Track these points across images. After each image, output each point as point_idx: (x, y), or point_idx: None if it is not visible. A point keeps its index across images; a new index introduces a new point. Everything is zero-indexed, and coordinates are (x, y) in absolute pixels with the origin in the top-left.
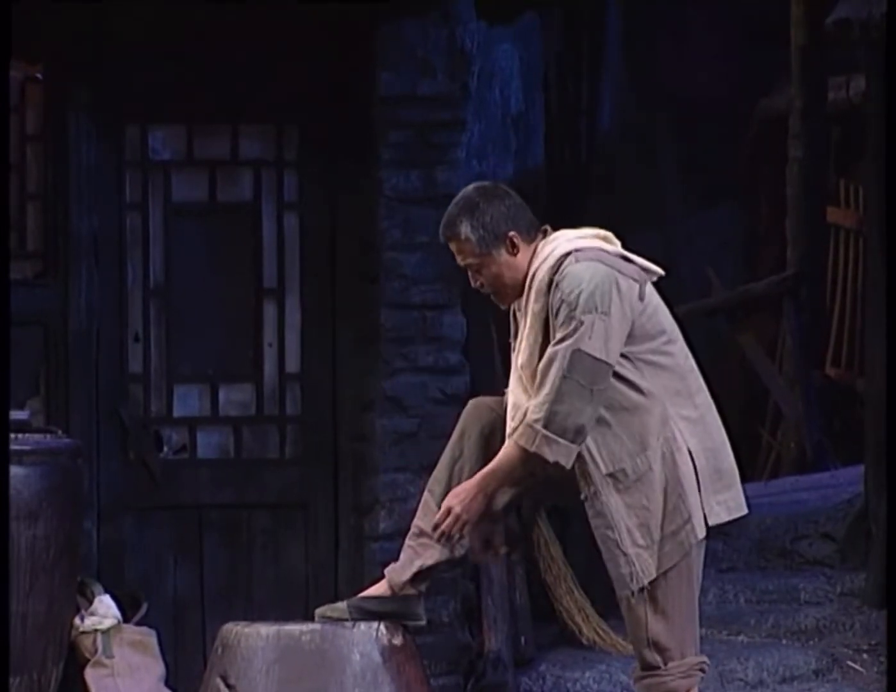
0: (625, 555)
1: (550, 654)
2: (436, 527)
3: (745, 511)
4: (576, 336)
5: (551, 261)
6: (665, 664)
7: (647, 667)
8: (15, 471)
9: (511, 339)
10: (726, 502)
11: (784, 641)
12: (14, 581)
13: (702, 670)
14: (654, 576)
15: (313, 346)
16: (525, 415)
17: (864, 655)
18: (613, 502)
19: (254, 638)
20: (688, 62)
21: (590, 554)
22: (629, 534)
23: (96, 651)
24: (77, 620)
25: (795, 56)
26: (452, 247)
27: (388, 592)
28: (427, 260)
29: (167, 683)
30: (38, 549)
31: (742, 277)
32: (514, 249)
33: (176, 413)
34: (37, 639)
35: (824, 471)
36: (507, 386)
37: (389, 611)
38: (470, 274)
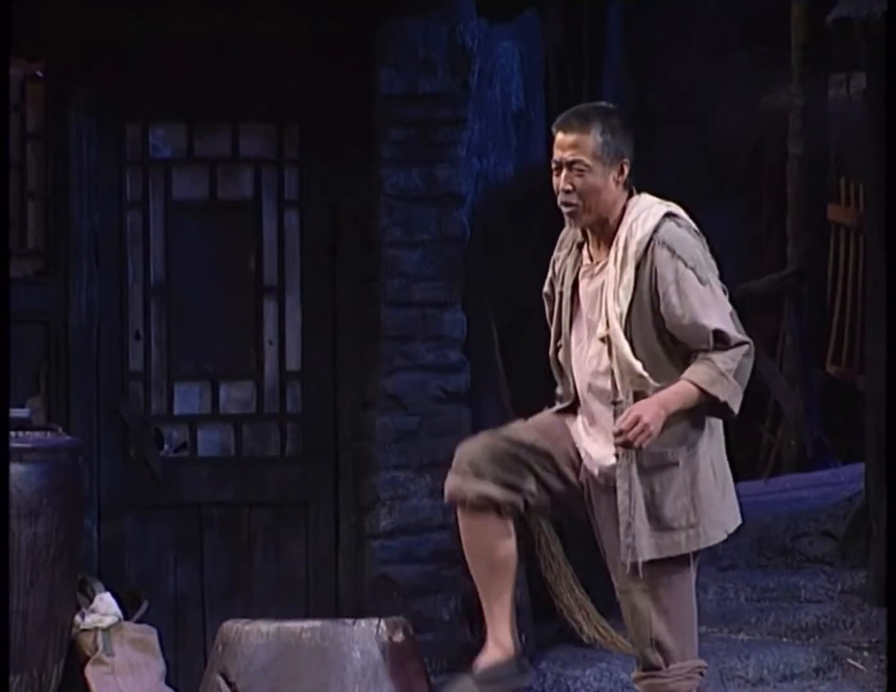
0: (630, 525)
1: (551, 652)
2: (620, 432)
3: (738, 521)
4: (720, 300)
5: (650, 222)
6: (667, 665)
7: (649, 668)
8: (15, 468)
9: (548, 288)
10: (725, 525)
11: (784, 639)
12: (14, 578)
13: (701, 673)
14: (646, 558)
15: (314, 344)
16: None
17: (865, 653)
18: (636, 473)
19: (254, 635)
20: (688, 59)
21: (590, 552)
22: (639, 510)
23: (97, 649)
24: (78, 618)
25: (796, 54)
26: (570, 139)
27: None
28: (428, 258)
29: (168, 681)
30: (38, 547)
31: (742, 275)
32: (620, 176)
33: (176, 411)
34: (37, 637)
35: (825, 468)
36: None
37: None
38: (566, 174)
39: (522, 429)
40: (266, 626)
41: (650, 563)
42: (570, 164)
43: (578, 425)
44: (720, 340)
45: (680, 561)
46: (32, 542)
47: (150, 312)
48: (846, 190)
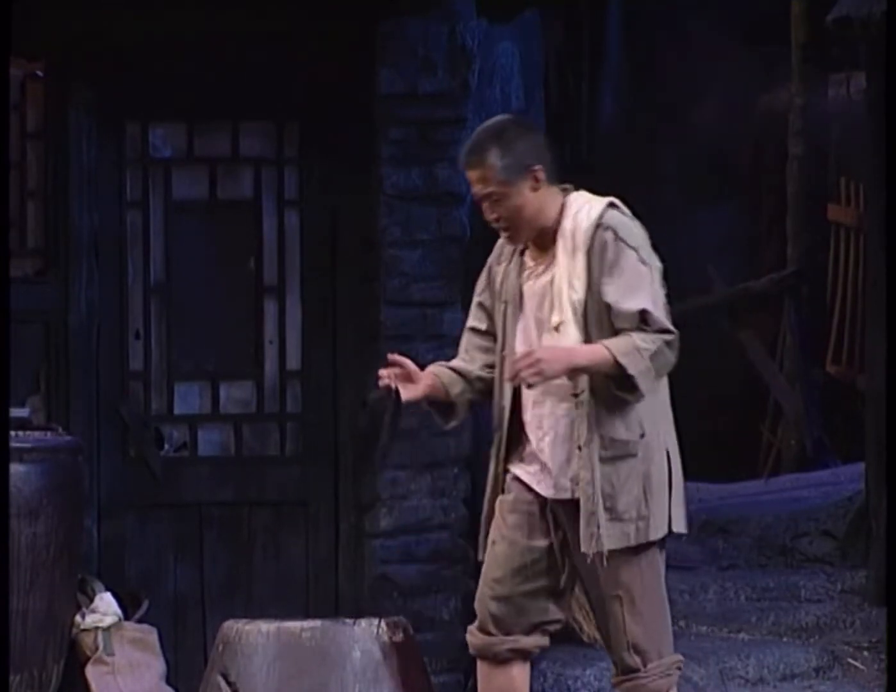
0: (593, 514)
1: (551, 652)
2: (514, 363)
3: (685, 530)
4: (656, 286)
5: (595, 211)
6: (644, 666)
7: (627, 671)
8: (15, 468)
9: (483, 297)
10: (672, 521)
11: (784, 639)
12: (15, 578)
13: (679, 668)
14: (607, 548)
15: (314, 344)
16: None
17: (865, 653)
18: (596, 462)
19: (254, 635)
20: (688, 59)
21: None
22: (599, 499)
23: (97, 648)
24: (78, 618)
25: (796, 53)
26: (474, 174)
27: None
28: (427, 257)
29: (168, 681)
30: (38, 547)
31: (742, 275)
32: (537, 184)
33: (177, 410)
34: (37, 637)
35: (825, 468)
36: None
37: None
38: (486, 206)
39: (507, 558)
40: (266, 626)
41: (619, 558)
42: (485, 197)
43: (525, 462)
44: (645, 322)
45: (646, 554)
46: (32, 542)
47: (150, 312)
48: (846, 190)
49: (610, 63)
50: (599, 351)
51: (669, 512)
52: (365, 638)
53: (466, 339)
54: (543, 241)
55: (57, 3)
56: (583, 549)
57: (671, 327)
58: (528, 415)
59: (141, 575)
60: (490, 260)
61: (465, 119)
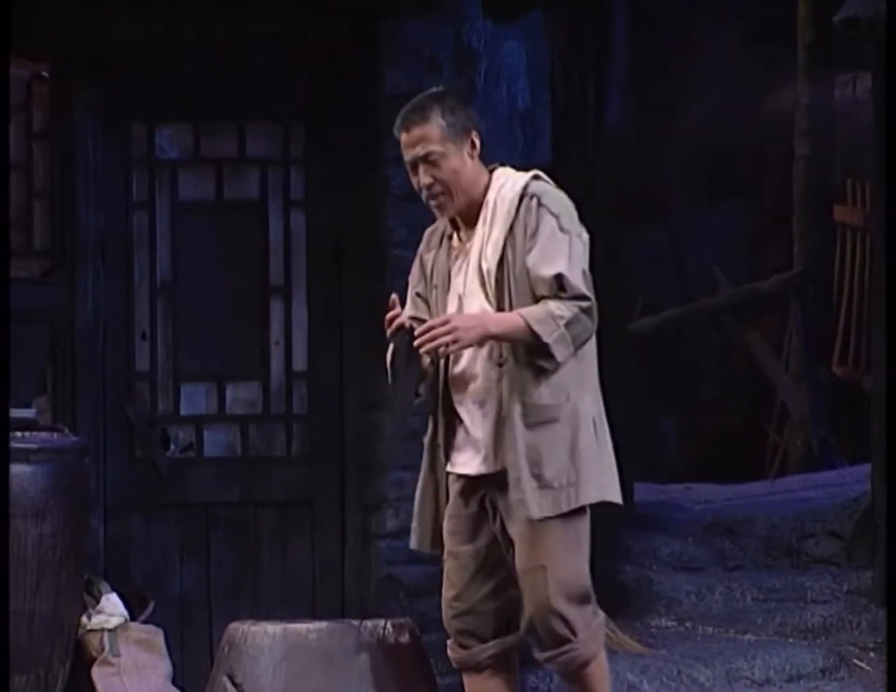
0: (519, 480)
1: None
2: (428, 329)
3: (619, 499)
4: (575, 252)
5: (520, 182)
6: (575, 635)
7: (559, 642)
8: (21, 469)
9: (420, 287)
10: (603, 488)
11: (791, 640)
12: (20, 579)
13: (606, 627)
14: (534, 517)
15: (320, 345)
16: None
17: (871, 653)
18: (519, 430)
19: (260, 636)
20: (692, 59)
21: (596, 551)
22: (524, 467)
23: (103, 649)
24: (84, 619)
25: (802, 53)
26: (415, 133)
27: None
28: None
29: (174, 682)
30: (44, 548)
31: (748, 275)
32: (473, 151)
33: (183, 411)
34: (43, 638)
35: (831, 469)
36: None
37: None
38: (423, 169)
39: (457, 572)
40: (272, 627)
41: (543, 526)
42: (423, 158)
43: (460, 451)
44: (561, 288)
45: (571, 521)
46: (38, 543)
47: (156, 312)
48: (852, 190)
49: (615, 63)
50: (514, 318)
51: (599, 479)
52: (371, 639)
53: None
54: (469, 216)
55: (62, 3)
56: (513, 516)
57: (588, 294)
58: (459, 396)
59: (147, 575)
60: (420, 250)
61: None
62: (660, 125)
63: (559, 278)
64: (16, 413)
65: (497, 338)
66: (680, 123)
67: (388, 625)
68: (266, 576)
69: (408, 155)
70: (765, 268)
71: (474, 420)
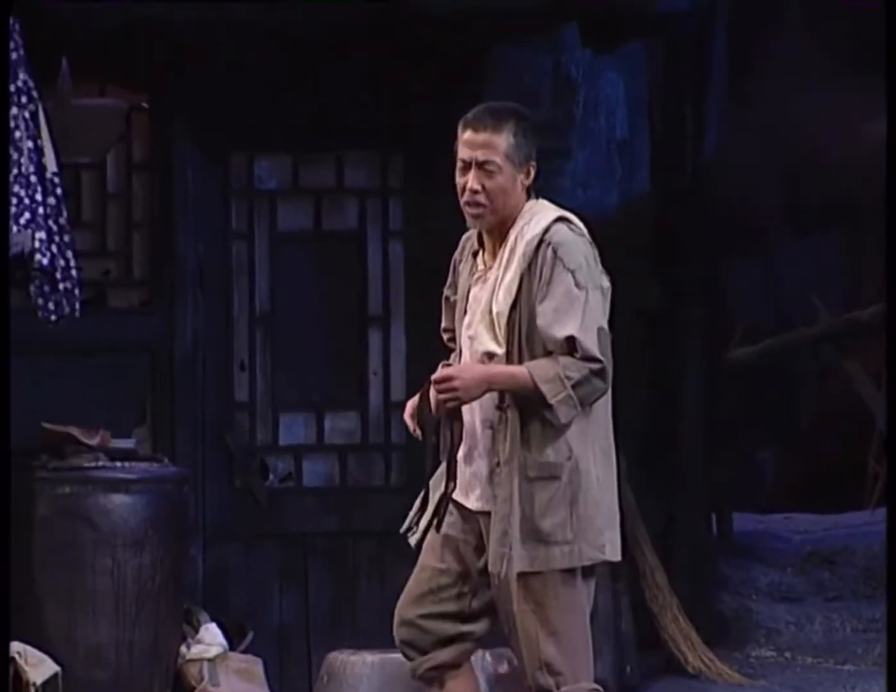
0: (506, 533)
1: (656, 683)
2: (434, 382)
3: (619, 557)
4: (590, 311)
5: (541, 225)
6: (558, 688)
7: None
8: (121, 499)
9: (450, 291)
10: (602, 548)
11: None
12: (120, 609)
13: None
14: (517, 570)
15: (418, 374)
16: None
17: None
18: (517, 481)
19: (359, 666)
20: (793, 88)
21: (695, 581)
22: (515, 521)
23: (202, 679)
24: (183, 648)
25: None
26: (482, 137)
27: None
28: None
29: None
30: (144, 577)
31: (846, 305)
32: (527, 180)
33: (281, 441)
34: (143, 667)
35: None
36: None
37: None
38: (475, 173)
39: (416, 583)
40: (371, 657)
41: (535, 580)
42: (480, 164)
43: (462, 472)
44: (573, 350)
45: (567, 578)
46: (138, 573)
47: (255, 342)
48: None
49: (714, 92)
50: (521, 375)
51: (598, 540)
52: None
53: (443, 331)
54: (495, 239)
55: (161, 34)
56: (490, 569)
57: (599, 356)
58: (468, 422)
59: (246, 605)
60: (455, 255)
61: (570, 149)
62: (758, 153)
63: (570, 341)
64: (116, 443)
65: (502, 392)
66: (779, 151)
67: (487, 656)
68: (364, 605)
69: (465, 153)
70: (864, 297)
71: (473, 453)
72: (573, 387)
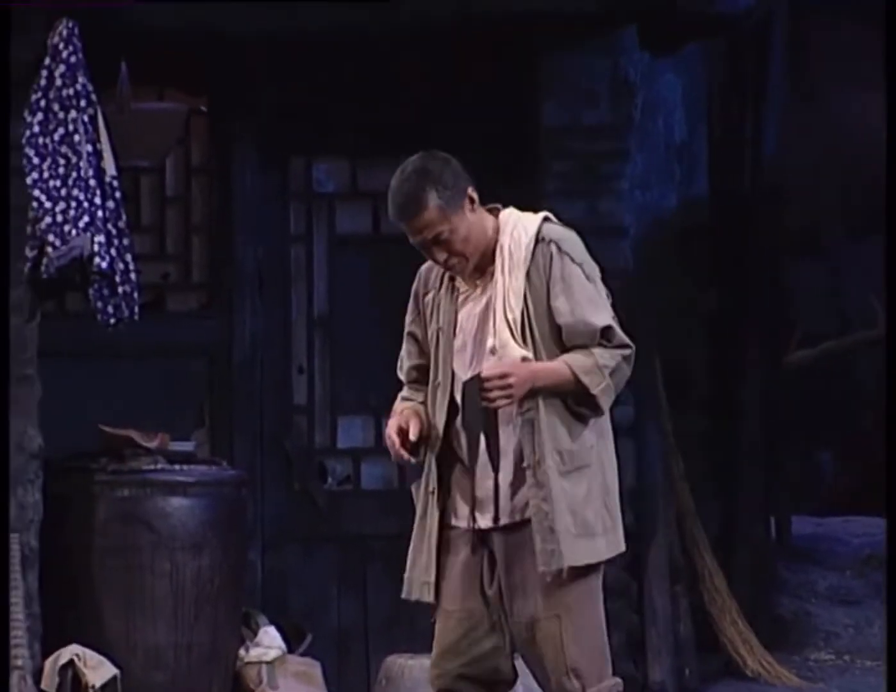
0: (553, 531)
1: (715, 686)
2: (486, 379)
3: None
4: (605, 300)
5: (532, 226)
6: (584, 691)
7: None
8: (180, 502)
9: (414, 326)
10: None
11: None
12: (179, 612)
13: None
14: (570, 564)
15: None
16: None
17: None
18: (554, 478)
19: (417, 670)
20: (854, 89)
21: (754, 585)
22: (561, 515)
23: (261, 682)
24: (242, 651)
25: None
26: (417, 223)
27: None
28: None
29: None
30: (203, 580)
31: None
32: (472, 205)
33: (340, 444)
34: (202, 670)
35: None
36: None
37: None
38: (435, 250)
39: (443, 633)
40: (429, 661)
41: (565, 584)
42: (432, 241)
43: (460, 499)
44: (606, 338)
45: (589, 577)
46: (197, 576)
47: (313, 346)
48: None
49: (773, 94)
50: (561, 370)
51: (621, 527)
52: (526, 672)
53: (407, 372)
54: (481, 262)
55: (221, 39)
56: (540, 568)
57: (628, 342)
58: (462, 449)
59: (304, 608)
60: (415, 288)
61: (628, 152)
62: (818, 155)
63: (606, 330)
64: (175, 446)
65: (542, 390)
66: (838, 153)
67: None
68: (423, 608)
69: (414, 240)
70: None
71: (484, 472)
72: (610, 375)
